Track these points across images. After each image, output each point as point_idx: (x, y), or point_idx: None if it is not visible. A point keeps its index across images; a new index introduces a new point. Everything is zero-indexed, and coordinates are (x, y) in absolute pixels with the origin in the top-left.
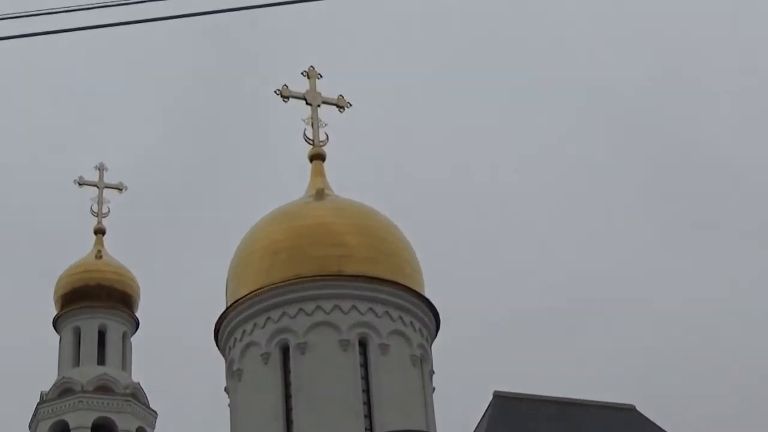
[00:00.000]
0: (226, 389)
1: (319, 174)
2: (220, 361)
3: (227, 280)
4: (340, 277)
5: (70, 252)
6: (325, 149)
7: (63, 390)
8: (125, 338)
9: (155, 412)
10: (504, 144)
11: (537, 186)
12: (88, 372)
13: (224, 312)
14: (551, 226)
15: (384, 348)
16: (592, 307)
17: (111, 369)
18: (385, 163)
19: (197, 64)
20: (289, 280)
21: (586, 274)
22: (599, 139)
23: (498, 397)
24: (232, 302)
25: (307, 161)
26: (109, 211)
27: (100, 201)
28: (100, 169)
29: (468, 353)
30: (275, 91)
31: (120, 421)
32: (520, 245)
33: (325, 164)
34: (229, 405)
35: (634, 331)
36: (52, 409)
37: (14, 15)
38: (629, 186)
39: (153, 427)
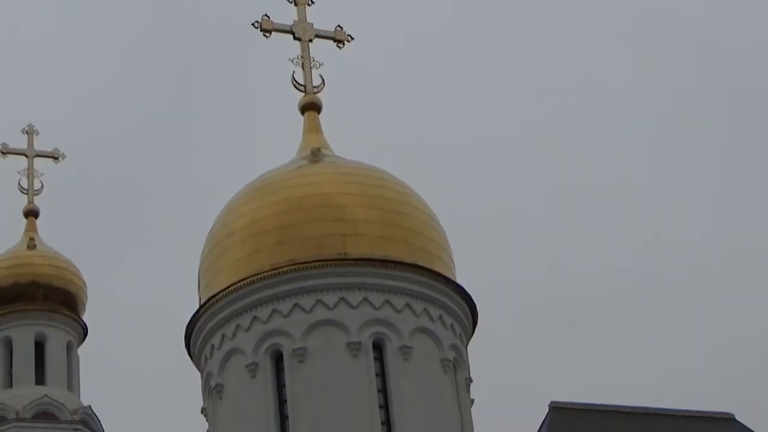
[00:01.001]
0: (203, 411)
1: (313, 129)
2: (195, 376)
3: (199, 271)
4: (345, 261)
5: None
6: (321, 97)
7: None
8: (70, 350)
9: None
10: (538, 88)
11: (589, 140)
12: (24, 394)
13: (197, 312)
14: (611, 189)
15: (406, 351)
16: (669, 295)
17: (53, 390)
18: (398, 114)
19: None
20: (279, 267)
21: (661, 251)
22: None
23: (555, 408)
24: (206, 299)
25: (298, 113)
26: (42, 186)
27: (31, 174)
28: (29, 132)
29: (514, 355)
30: (253, 24)
31: None
32: (571, 216)
33: (322, 116)
34: (207, 431)
35: (723, 325)
36: None
37: None
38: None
39: None
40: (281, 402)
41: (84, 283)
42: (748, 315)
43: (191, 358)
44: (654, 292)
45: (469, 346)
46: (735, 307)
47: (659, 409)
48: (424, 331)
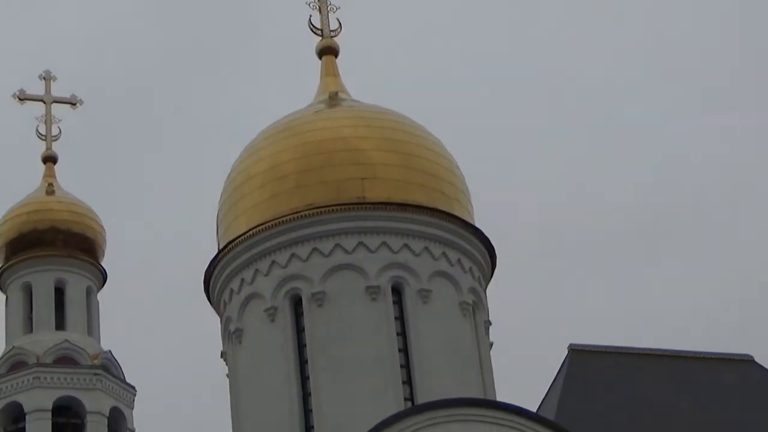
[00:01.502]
0: (222, 355)
1: (331, 73)
2: (214, 321)
3: (218, 215)
4: (364, 205)
5: (13, 187)
6: (338, 41)
7: (14, 364)
8: (90, 295)
9: (133, 388)
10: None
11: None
12: (45, 340)
13: (216, 257)
14: (633, 123)
15: (425, 295)
16: (693, 232)
17: (73, 335)
18: (418, 56)
19: None
20: (298, 211)
21: (688, 184)
22: None
23: (575, 351)
24: (225, 244)
25: (315, 57)
26: (60, 132)
27: (48, 120)
28: (47, 78)
29: (533, 297)
30: None
31: (88, 401)
32: (591, 152)
33: (339, 60)
34: (227, 375)
35: (745, 264)
36: (1, 389)
37: None
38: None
39: (131, 406)
40: (300, 346)
41: (102, 228)
42: None
43: (210, 303)
44: (678, 228)
45: (487, 289)
46: (761, 245)
47: (678, 351)
48: (442, 274)
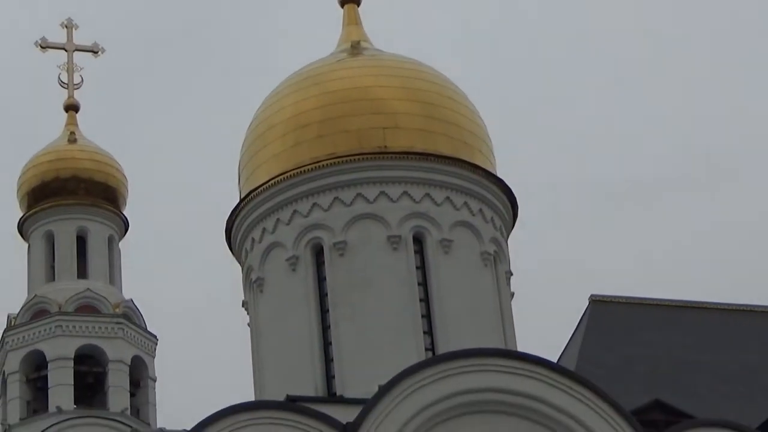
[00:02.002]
0: (244, 304)
1: (353, 22)
2: (236, 269)
3: (240, 164)
4: (385, 154)
5: (35, 136)
6: None
7: (36, 312)
8: (112, 244)
9: (155, 337)
10: None
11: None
12: (67, 288)
13: (237, 206)
14: (655, 68)
15: (446, 245)
16: (715, 179)
17: (95, 284)
18: (441, 5)
19: None
20: (319, 161)
21: (712, 128)
22: None
23: (596, 302)
24: (246, 193)
25: (338, 5)
26: (82, 80)
27: (70, 68)
28: (68, 26)
29: (555, 248)
30: None
31: (110, 349)
32: (618, 94)
33: (361, 9)
34: (248, 324)
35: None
36: (23, 337)
37: None
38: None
39: (152, 355)
40: (322, 295)
41: (124, 176)
42: None
43: (232, 251)
44: (701, 174)
45: (509, 240)
46: None
47: (698, 302)
48: (464, 224)
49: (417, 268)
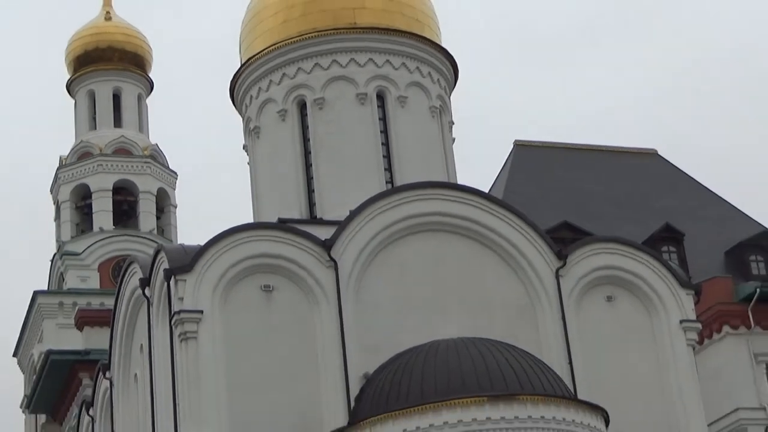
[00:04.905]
0: (244, 147)
1: None
2: (237, 120)
3: (240, 37)
4: (354, 29)
5: (78, 15)
6: None
7: (82, 154)
8: (140, 100)
9: (175, 173)
10: None
11: None
12: (106, 135)
13: (239, 69)
14: None
15: (402, 100)
16: (626, 30)
17: (128, 132)
18: None
19: None
20: (303, 34)
21: None
22: None
23: (519, 146)
24: (246, 59)
25: None
26: None
27: None
28: None
29: (487, 102)
30: None
31: (140, 183)
32: None
33: None
34: (248, 163)
35: (655, 67)
36: (72, 173)
37: None
38: None
39: (174, 187)
40: (305, 140)
41: (150, 47)
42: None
43: (235, 106)
44: (616, 30)
45: (451, 96)
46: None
47: (597, 145)
48: (416, 84)
49: (380, 119)
